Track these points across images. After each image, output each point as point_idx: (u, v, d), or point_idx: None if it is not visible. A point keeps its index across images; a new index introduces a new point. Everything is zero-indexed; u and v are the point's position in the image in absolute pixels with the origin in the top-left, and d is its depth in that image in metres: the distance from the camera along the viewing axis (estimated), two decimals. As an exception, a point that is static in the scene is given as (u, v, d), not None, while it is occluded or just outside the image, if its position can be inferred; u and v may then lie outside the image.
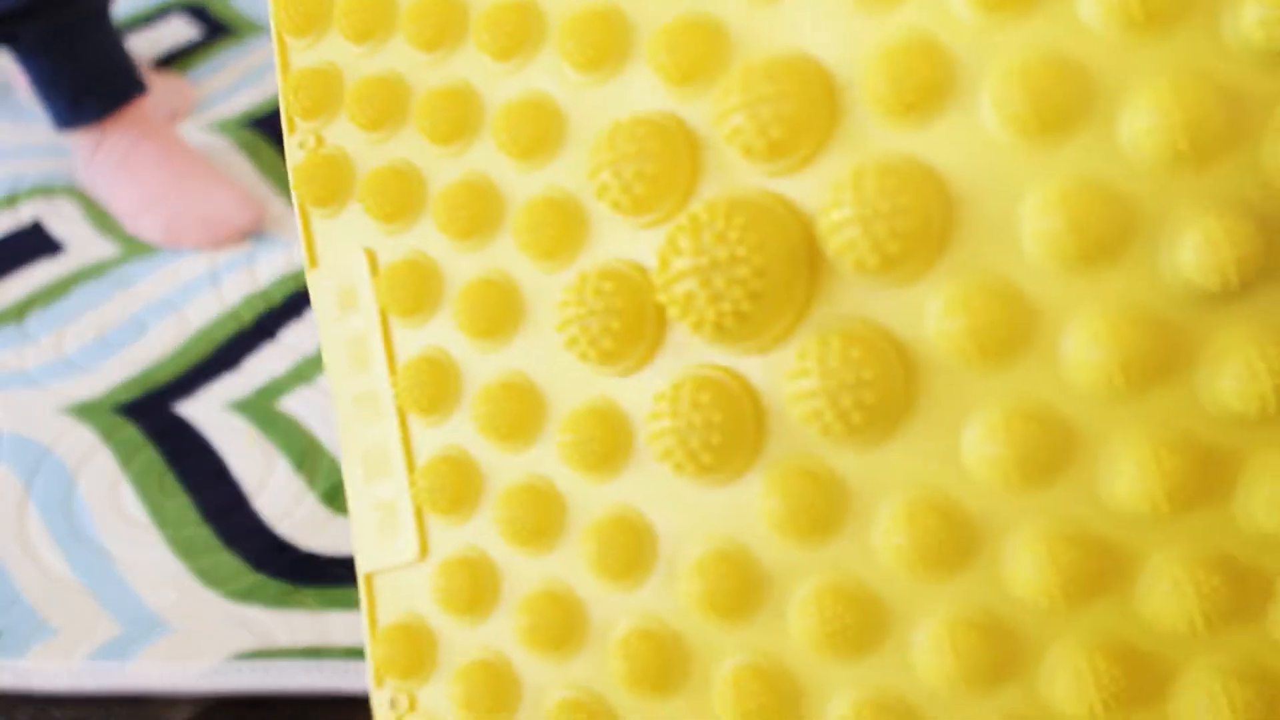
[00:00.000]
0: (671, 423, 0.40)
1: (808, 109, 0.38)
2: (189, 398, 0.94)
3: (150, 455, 0.90)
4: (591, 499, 0.46)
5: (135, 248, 1.08)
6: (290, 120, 0.52)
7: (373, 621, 0.52)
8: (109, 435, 0.91)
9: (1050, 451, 0.38)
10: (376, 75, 0.49)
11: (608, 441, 0.44)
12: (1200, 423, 0.37)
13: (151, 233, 1.10)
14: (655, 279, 0.39)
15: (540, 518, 0.47)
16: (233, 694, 0.78)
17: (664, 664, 0.45)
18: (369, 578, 0.52)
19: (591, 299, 0.41)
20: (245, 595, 0.82)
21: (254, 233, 1.11)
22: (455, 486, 0.49)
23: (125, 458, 0.90)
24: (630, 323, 0.41)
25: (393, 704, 0.51)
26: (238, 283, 1.04)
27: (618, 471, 0.45)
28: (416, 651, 0.51)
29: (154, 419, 0.93)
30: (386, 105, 0.49)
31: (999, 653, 0.40)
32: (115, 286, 1.04)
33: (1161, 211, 0.36)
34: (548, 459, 0.47)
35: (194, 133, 1.21)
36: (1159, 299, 0.37)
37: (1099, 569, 0.39)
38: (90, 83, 1.11)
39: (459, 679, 0.49)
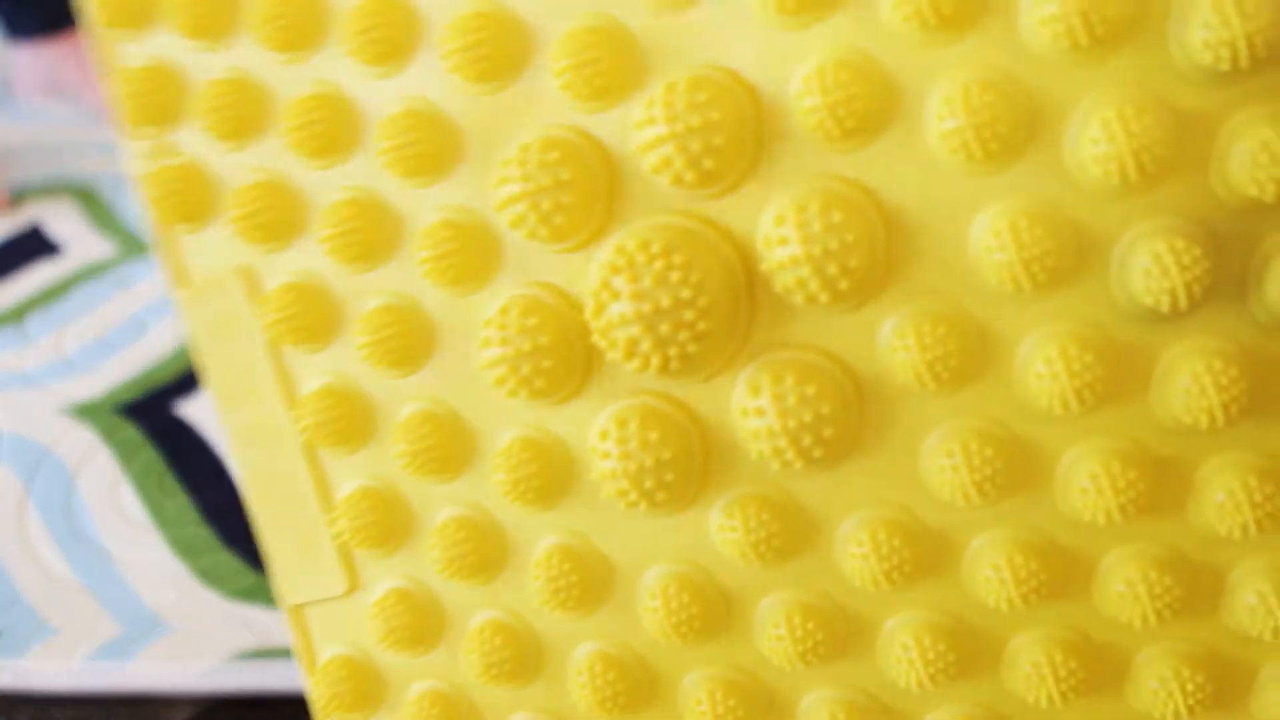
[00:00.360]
0: (621, 464, 0.38)
1: (739, 135, 0.36)
2: (189, 397, 0.95)
3: (150, 455, 0.91)
4: (536, 531, 0.44)
5: (134, 247, 1.09)
6: (129, 126, 0.46)
7: (310, 656, 0.49)
8: (109, 435, 0.92)
9: (1008, 469, 0.39)
10: (226, 77, 0.44)
11: (547, 475, 0.42)
12: (1153, 436, 0.38)
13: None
14: (589, 320, 0.37)
15: (481, 551, 0.45)
16: (233, 694, 0.78)
17: (630, 686, 0.44)
18: (297, 610, 0.49)
19: (518, 338, 0.38)
20: (245, 595, 0.82)
21: None
22: (381, 521, 0.46)
23: (125, 458, 0.90)
24: (562, 359, 0.39)
25: None
26: (236, 281, 1.04)
27: (561, 503, 0.43)
28: (360, 686, 0.48)
29: (154, 419, 0.93)
30: (242, 111, 0.44)
31: (965, 651, 0.41)
32: (115, 287, 1.04)
33: (1110, 234, 0.36)
34: (483, 492, 0.44)
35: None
36: (1110, 321, 0.37)
37: (1057, 575, 0.40)
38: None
39: (411, 711, 0.48)
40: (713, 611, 0.43)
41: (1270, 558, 0.39)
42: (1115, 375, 0.37)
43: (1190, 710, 0.40)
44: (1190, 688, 0.40)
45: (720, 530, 0.41)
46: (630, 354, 0.37)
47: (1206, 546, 0.40)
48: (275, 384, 0.47)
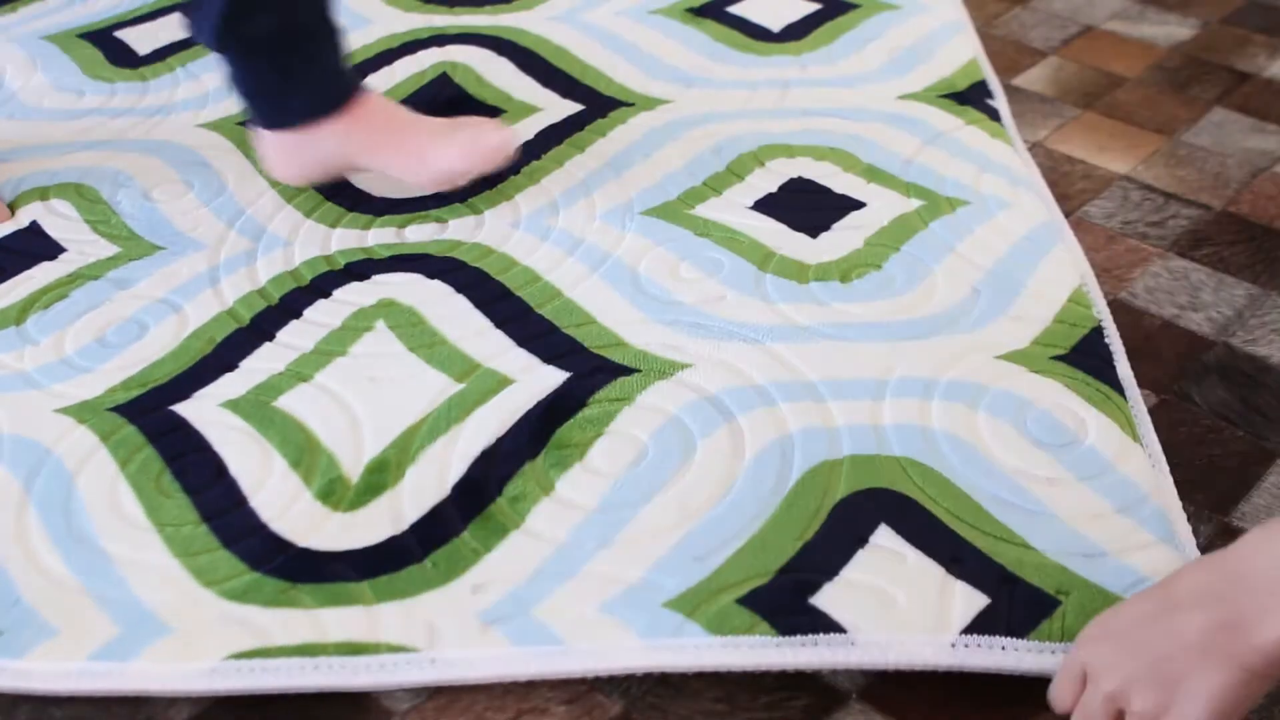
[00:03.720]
0: None
1: None
2: (187, 397, 0.94)
3: (148, 454, 0.90)
4: None
5: (134, 248, 1.09)
6: None
7: None
8: (107, 435, 0.91)
9: None
10: None
11: None
12: None
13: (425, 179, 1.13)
14: None
15: None
16: (231, 693, 0.77)
17: None
18: None
19: None
20: (242, 594, 0.82)
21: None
22: None
23: (123, 458, 0.90)
24: None
25: None
26: (236, 282, 1.04)
27: None
28: None
29: (152, 418, 0.93)
30: None
31: None
32: (115, 287, 1.04)
33: None
34: None
35: (194, 132, 1.21)
36: None
37: None
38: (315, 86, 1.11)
39: None
40: None
41: None
42: None
43: None
44: None
45: None
46: None
47: None
48: None
